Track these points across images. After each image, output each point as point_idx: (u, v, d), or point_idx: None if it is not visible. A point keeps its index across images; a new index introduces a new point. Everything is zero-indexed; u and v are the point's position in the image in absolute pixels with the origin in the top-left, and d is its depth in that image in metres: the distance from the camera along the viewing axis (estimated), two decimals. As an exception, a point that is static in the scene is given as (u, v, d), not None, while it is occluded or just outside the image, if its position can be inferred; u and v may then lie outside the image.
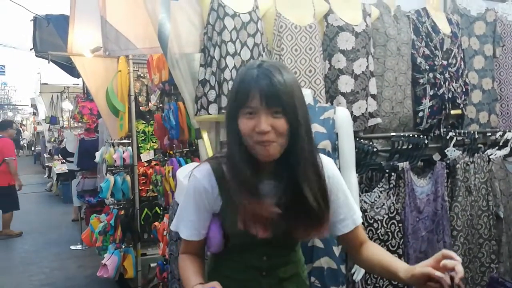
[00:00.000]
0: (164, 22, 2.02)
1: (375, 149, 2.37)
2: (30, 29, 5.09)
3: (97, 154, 4.01)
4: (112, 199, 3.69)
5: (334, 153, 2.01)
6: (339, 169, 2.02)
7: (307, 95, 2.10)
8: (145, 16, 2.12)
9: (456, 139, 2.77)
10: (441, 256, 0.99)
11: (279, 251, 1.21)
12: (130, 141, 3.68)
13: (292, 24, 2.24)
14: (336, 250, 1.94)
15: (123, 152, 3.58)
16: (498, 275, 2.67)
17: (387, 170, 2.34)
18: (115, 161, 3.54)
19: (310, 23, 2.28)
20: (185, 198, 1.21)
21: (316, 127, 1.98)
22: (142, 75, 4.11)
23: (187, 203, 1.20)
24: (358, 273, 1.96)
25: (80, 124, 7.15)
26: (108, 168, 3.70)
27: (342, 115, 2.04)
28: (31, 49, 5.28)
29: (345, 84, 2.37)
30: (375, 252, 1.21)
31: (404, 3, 2.70)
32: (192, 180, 1.19)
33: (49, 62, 4.20)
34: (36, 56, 5.28)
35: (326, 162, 1.21)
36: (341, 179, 1.24)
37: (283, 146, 1.06)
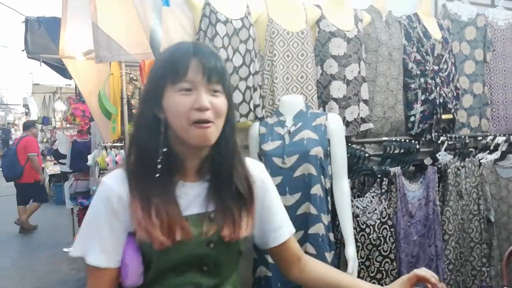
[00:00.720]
0: (155, 28, 2.02)
1: (366, 154, 2.38)
2: (21, 29, 5.05)
3: (90, 157, 3.99)
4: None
5: (326, 159, 2.02)
6: (331, 175, 2.04)
7: (299, 101, 2.11)
8: (137, 22, 2.11)
9: (448, 143, 2.79)
10: (414, 276, 0.97)
11: (213, 276, 0.98)
12: (122, 144, 3.66)
13: (284, 30, 2.25)
14: (329, 256, 1.95)
15: (116, 155, 3.57)
16: (489, 278, 2.70)
17: (379, 175, 2.35)
18: (108, 164, 3.52)
19: (302, 29, 2.29)
20: (91, 211, 0.94)
21: (308, 134, 1.99)
22: (134, 77, 4.08)
23: (95, 218, 0.93)
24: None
25: (72, 125, 7.12)
26: (101, 171, 3.68)
27: (334, 121, 2.05)
28: (22, 50, 5.24)
29: (337, 89, 2.38)
30: (321, 268, 1.11)
31: (395, 8, 2.72)
32: (101, 188, 0.93)
33: (40, 65, 4.17)
34: (28, 57, 5.24)
35: (256, 164, 1.11)
36: (272, 184, 1.12)
37: (219, 131, 0.94)
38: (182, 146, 0.94)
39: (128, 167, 0.95)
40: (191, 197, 0.96)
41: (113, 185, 0.92)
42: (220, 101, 0.93)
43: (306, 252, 1.92)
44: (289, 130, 2.02)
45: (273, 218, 1.09)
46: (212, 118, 0.91)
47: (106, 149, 3.64)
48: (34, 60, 5.40)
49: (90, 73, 3.78)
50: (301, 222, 1.94)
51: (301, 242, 1.93)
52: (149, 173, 0.92)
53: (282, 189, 1.93)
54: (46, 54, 4.28)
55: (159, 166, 0.91)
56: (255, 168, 1.08)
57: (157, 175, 0.91)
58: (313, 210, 1.93)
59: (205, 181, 0.99)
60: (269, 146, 2.01)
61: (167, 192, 0.92)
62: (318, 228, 1.93)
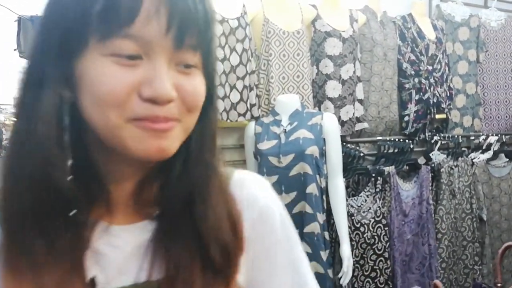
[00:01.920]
0: None
1: (361, 154, 2.40)
2: (11, 28, 5.03)
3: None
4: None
5: (322, 158, 2.03)
6: (326, 174, 2.05)
7: (295, 100, 2.12)
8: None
9: (441, 143, 2.82)
10: None
11: None
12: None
13: (280, 30, 2.25)
14: (324, 255, 1.96)
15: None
16: (482, 276, 2.73)
17: (373, 174, 2.37)
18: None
19: (298, 29, 2.30)
20: None
21: (304, 133, 2.00)
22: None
23: None
24: (345, 277, 1.99)
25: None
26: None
27: (329, 121, 2.06)
28: (14, 50, 5.20)
29: (333, 89, 2.39)
30: None
31: (390, 9, 2.74)
32: None
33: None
34: (20, 56, 5.21)
35: (259, 184, 0.61)
36: (289, 222, 0.63)
37: (185, 135, 0.51)
38: (106, 156, 0.50)
39: (6, 204, 0.47)
40: (122, 254, 0.51)
41: None
42: (195, 85, 0.49)
43: (301, 251, 1.94)
44: (285, 130, 2.03)
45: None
46: (177, 114, 0.48)
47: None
48: (27, 59, 5.38)
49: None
50: (297, 221, 1.94)
51: (297, 241, 1.95)
52: (39, 208, 0.46)
53: (277, 188, 1.93)
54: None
55: (61, 194, 0.46)
56: (251, 188, 0.60)
57: (57, 211, 0.46)
58: (309, 209, 1.94)
59: (148, 220, 0.53)
60: (265, 145, 2.02)
61: (72, 246, 0.47)
62: (314, 227, 1.94)
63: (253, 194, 0.59)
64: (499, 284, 1.24)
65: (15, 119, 0.49)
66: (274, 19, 2.26)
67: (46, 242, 0.46)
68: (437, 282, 0.97)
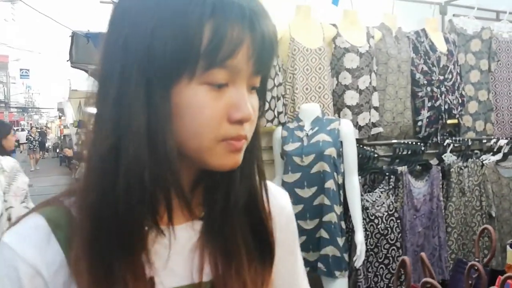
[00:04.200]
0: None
1: (376, 155, 2.71)
2: (55, 36, 5.60)
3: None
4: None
5: (339, 158, 2.36)
6: (343, 172, 2.39)
7: (316, 108, 2.47)
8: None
9: (453, 145, 3.09)
10: None
11: None
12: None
13: (304, 47, 2.61)
14: (340, 241, 2.29)
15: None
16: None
17: (387, 173, 2.68)
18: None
19: (320, 46, 2.64)
20: None
21: (323, 137, 2.34)
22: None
23: None
24: (359, 260, 2.31)
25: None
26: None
27: (346, 126, 2.40)
28: (67, 60, 5.78)
29: (351, 98, 2.72)
30: None
31: (405, 25, 3.04)
32: (6, 258, 0.51)
33: (89, 76, 4.66)
34: (72, 66, 5.78)
35: (279, 192, 0.70)
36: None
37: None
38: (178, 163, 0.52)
39: (85, 212, 0.51)
40: (174, 253, 0.56)
41: (22, 250, 0.51)
42: (257, 104, 0.56)
43: (320, 238, 2.28)
44: (307, 134, 2.38)
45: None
46: (248, 131, 0.54)
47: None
48: (78, 69, 5.95)
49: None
50: (317, 211, 2.29)
51: (317, 228, 2.29)
52: (120, 217, 0.50)
53: (300, 184, 2.30)
54: (90, 64, 4.77)
55: (143, 203, 0.50)
56: (280, 197, 0.69)
57: (136, 217, 0.50)
58: (327, 201, 2.28)
59: (195, 220, 0.59)
60: (290, 147, 2.37)
61: (137, 247, 0.52)
62: (331, 217, 2.28)
63: (282, 202, 0.68)
64: (476, 259, 1.54)
65: (97, 133, 0.51)
66: (299, 38, 2.62)
67: (122, 250, 0.50)
68: (405, 258, 1.28)
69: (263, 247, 0.60)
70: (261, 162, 0.60)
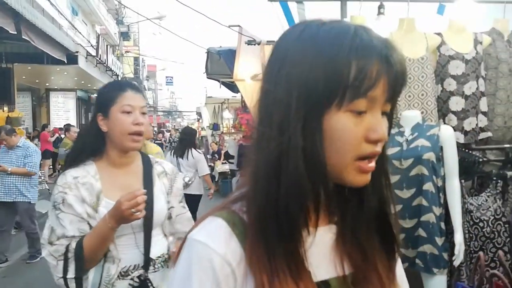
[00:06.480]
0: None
1: (481, 159, 2.75)
2: (194, 50, 6.48)
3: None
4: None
5: (439, 162, 2.50)
6: (443, 176, 2.51)
7: (417, 115, 2.63)
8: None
9: None
10: None
11: None
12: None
13: (406, 57, 2.78)
14: (439, 240, 2.43)
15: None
16: None
17: (494, 178, 2.71)
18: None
19: (423, 55, 2.79)
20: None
21: (422, 142, 2.51)
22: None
23: None
24: (457, 259, 2.41)
25: (238, 131, 8.46)
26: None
27: (445, 131, 2.52)
28: (203, 73, 6.67)
29: (456, 103, 2.80)
30: None
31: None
32: (200, 252, 0.62)
33: (220, 87, 5.40)
34: (207, 78, 6.66)
35: None
36: None
37: None
38: None
39: (254, 214, 0.62)
40: (321, 251, 0.67)
41: (220, 249, 0.61)
42: (387, 126, 0.66)
43: (418, 236, 2.45)
44: (407, 139, 2.57)
45: None
46: (380, 147, 0.64)
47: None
48: (211, 79, 6.82)
49: (255, 90, 4.79)
50: (416, 211, 2.47)
51: (415, 227, 2.47)
52: (286, 222, 0.61)
53: (400, 185, 2.51)
54: (221, 76, 5.49)
55: (303, 209, 0.61)
56: None
57: (297, 220, 0.61)
58: (425, 203, 2.44)
59: (331, 224, 0.70)
60: (390, 151, 2.57)
61: (293, 247, 0.62)
62: (429, 217, 2.43)
63: None
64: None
65: (262, 149, 0.62)
66: (401, 50, 2.79)
67: (280, 240, 0.60)
68: (480, 253, 1.43)
69: (388, 248, 0.71)
70: (388, 173, 0.71)
